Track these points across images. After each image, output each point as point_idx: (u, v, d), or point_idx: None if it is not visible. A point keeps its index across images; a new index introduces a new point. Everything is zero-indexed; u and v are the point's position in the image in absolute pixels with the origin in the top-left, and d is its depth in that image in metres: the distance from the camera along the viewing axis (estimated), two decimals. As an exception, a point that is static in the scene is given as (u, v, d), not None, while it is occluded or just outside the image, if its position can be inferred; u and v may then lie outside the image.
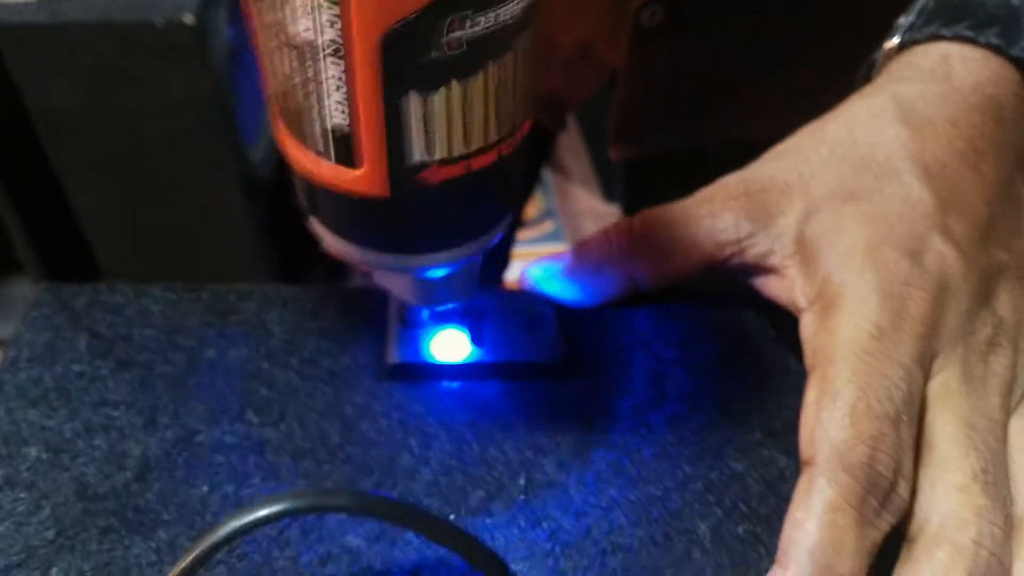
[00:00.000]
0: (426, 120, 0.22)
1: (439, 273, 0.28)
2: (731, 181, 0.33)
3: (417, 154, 0.23)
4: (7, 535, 0.28)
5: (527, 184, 0.79)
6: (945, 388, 0.28)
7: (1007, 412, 0.29)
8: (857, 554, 0.25)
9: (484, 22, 0.20)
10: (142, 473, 0.29)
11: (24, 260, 1.42)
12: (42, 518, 0.28)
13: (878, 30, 0.51)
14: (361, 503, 0.23)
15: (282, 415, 0.31)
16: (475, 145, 0.23)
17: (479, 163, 0.23)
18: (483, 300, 0.33)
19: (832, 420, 0.26)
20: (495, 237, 0.27)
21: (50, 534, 0.28)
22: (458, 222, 0.26)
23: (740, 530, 0.29)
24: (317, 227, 0.26)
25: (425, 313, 0.32)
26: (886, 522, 0.26)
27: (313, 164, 0.24)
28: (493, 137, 0.23)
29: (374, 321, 0.34)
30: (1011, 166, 0.32)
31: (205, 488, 0.29)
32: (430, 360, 0.32)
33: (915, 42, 0.33)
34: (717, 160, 0.49)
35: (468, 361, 0.32)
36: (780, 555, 0.25)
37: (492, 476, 0.30)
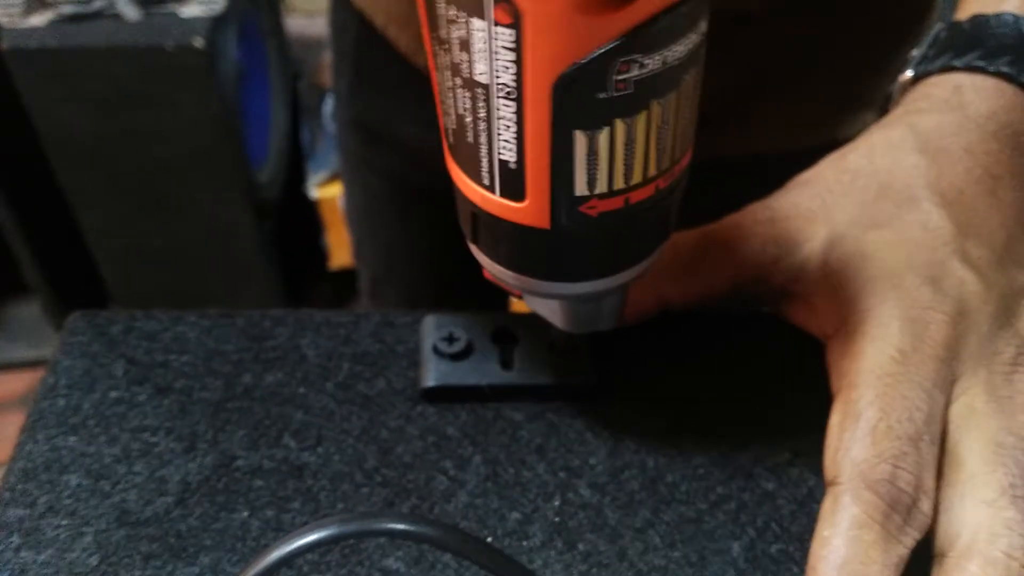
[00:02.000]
0: (589, 157, 0.23)
1: (589, 299, 0.28)
2: (757, 208, 0.33)
3: (579, 189, 0.23)
4: (51, 563, 0.28)
5: None
6: (970, 409, 0.28)
7: None
8: (884, 568, 0.25)
9: (652, 64, 0.21)
10: (183, 498, 0.30)
11: (32, 283, 1.43)
12: (85, 544, 0.28)
13: (881, 49, 0.52)
14: (410, 528, 0.23)
15: (319, 439, 0.31)
16: (635, 180, 0.24)
17: (637, 196, 0.24)
18: (513, 323, 0.34)
19: (854, 440, 0.27)
20: (647, 267, 0.28)
21: (93, 560, 0.28)
22: (613, 252, 0.26)
23: (773, 550, 0.29)
24: (477, 254, 0.28)
25: (458, 340, 0.33)
26: (911, 537, 0.26)
27: (480, 196, 0.25)
28: (652, 172, 0.24)
29: (407, 345, 0.34)
30: None
31: (246, 513, 0.29)
32: (464, 383, 0.32)
33: (928, 73, 0.34)
34: (726, 174, 0.50)
35: (501, 384, 0.32)
36: (809, 572, 0.26)
37: (527, 498, 0.30)
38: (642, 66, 0.21)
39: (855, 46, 0.52)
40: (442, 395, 0.32)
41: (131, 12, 1.09)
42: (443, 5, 0.22)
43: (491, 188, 0.24)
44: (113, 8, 1.09)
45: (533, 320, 0.34)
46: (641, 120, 0.22)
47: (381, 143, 0.64)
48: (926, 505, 0.27)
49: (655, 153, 0.23)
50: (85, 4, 1.09)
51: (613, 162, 0.23)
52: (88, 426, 0.31)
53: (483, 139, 0.23)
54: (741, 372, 0.34)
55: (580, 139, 0.22)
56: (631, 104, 0.22)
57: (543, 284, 0.27)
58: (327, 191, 1.45)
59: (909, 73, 0.35)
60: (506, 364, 0.33)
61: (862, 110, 0.56)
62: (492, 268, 0.28)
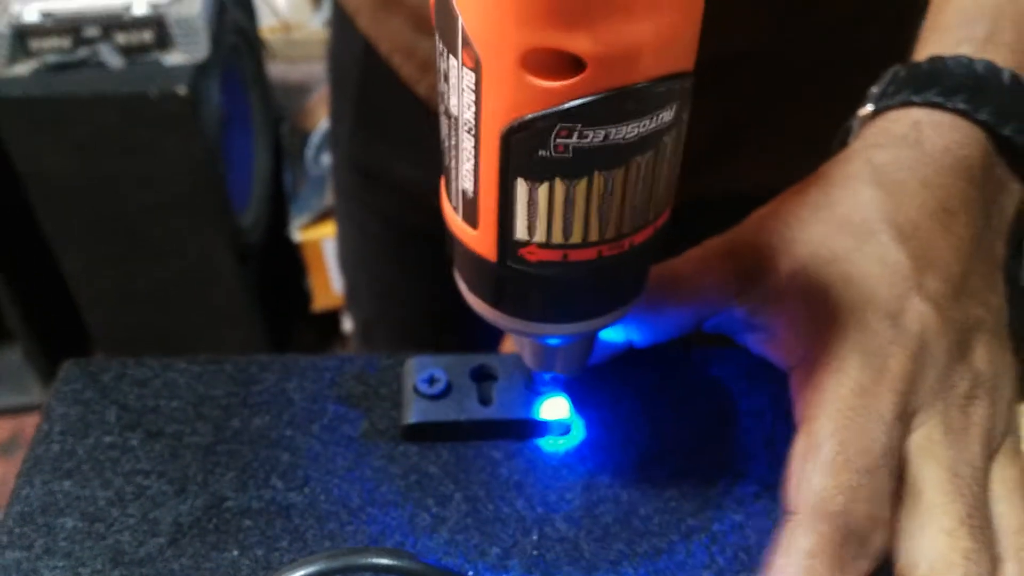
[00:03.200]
0: (530, 205, 0.24)
1: (552, 342, 0.30)
2: (717, 242, 0.34)
3: (519, 232, 0.25)
4: (47, 603, 0.29)
5: None
6: (928, 440, 0.30)
7: (988, 459, 0.31)
8: None
9: (593, 136, 0.23)
10: (175, 539, 0.31)
11: (14, 329, 1.42)
12: (80, 586, 0.29)
13: (863, 92, 0.53)
14: (394, 563, 0.24)
15: (306, 480, 0.32)
16: (574, 239, 0.25)
17: (577, 256, 0.26)
18: (492, 361, 0.35)
19: (814, 472, 0.28)
20: (598, 326, 0.29)
21: (89, 601, 0.29)
22: (553, 303, 0.28)
23: (742, 578, 0.30)
24: (456, 275, 0.30)
25: (438, 381, 0.34)
26: (863, 568, 0.27)
27: (450, 216, 0.27)
28: (594, 237, 0.25)
29: (389, 387, 0.35)
30: (982, 224, 0.33)
31: (236, 552, 0.30)
32: (443, 419, 0.34)
33: (887, 108, 0.35)
34: (708, 214, 0.51)
35: (479, 419, 0.34)
36: None
37: (507, 533, 0.31)
38: (582, 135, 0.23)
39: (841, 81, 0.53)
40: (423, 432, 0.34)
41: (115, 61, 1.10)
42: (437, 38, 0.24)
43: (456, 210, 0.27)
44: (97, 57, 1.10)
45: (511, 359, 0.35)
46: (582, 185, 0.24)
47: (380, 185, 0.65)
48: (880, 536, 0.28)
49: (596, 219, 0.25)
50: (69, 53, 1.10)
51: (552, 216, 0.25)
52: (82, 470, 0.33)
53: (452, 164, 0.26)
54: (711, 406, 0.35)
55: (522, 186, 0.24)
56: (571, 168, 0.23)
57: (492, 311, 0.29)
58: (309, 234, 1.47)
59: (869, 107, 0.36)
60: (485, 401, 0.34)
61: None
62: (459, 285, 0.29)
